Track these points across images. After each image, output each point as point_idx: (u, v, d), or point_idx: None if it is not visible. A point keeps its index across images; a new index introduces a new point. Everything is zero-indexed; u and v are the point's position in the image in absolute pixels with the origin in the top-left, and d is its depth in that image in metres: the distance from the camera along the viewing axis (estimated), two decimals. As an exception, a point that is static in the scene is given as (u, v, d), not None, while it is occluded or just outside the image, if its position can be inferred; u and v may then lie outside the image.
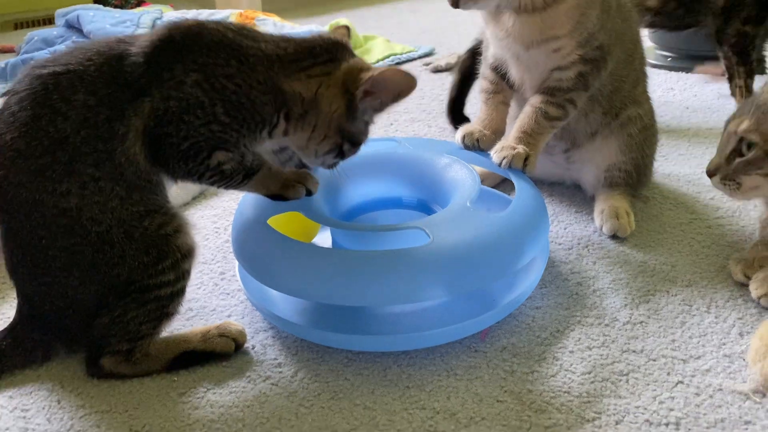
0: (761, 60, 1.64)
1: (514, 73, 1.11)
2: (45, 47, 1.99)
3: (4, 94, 0.81)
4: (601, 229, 1.11)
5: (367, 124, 0.90)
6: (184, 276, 0.84)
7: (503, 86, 1.14)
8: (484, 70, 1.17)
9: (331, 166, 0.92)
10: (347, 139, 0.88)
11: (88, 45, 0.84)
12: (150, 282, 0.81)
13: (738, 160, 0.92)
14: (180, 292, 0.84)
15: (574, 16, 1.00)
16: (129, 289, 0.81)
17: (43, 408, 0.81)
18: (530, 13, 1.00)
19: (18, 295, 0.85)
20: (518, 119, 1.08)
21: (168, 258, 0.82)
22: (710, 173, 0.95)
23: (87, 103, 0.78)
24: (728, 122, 0.97)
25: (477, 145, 1.11)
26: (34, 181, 0.78)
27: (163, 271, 0.81)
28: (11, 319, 0.87)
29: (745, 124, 0.91)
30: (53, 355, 0.87)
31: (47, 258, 0.80)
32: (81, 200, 0.78)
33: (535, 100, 1.07)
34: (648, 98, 1.18)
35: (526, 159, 1.03)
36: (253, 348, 0.90)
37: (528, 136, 1.05)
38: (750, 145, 0.91)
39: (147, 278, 0.81)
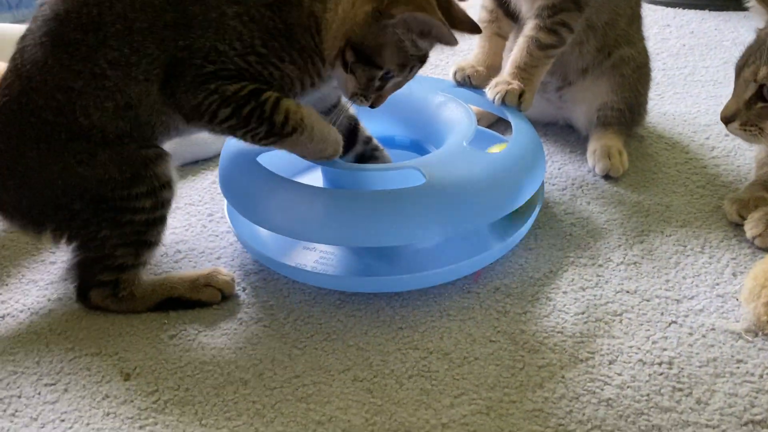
0: None
1: None
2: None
3: None
4: (594, 169, 1.10)
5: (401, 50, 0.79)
6: (163, 205, 0.82)
7: (500, 15, 1.10)
8: None
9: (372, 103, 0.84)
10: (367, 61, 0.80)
11: None
12: (123, 205, 0.80)
13: (761, 105, 0.91)
14: (158, 221, 0.82)
15: None
16: (100, 207, 0.79)
17: (32, 351, 0.80)
18: None
19: None
20: (512, 53, 1.05)
21: (143, 184, 0.80)
22: (727, 120, 0.93)
23: (132, 4, 0.78)
24: (739, 68, 0.94)
25: (468, 82, 1.08)
26: (56, 47, 0.78)
27: (137, 197, 0.80)
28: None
29: (763, 71, 0.89)
30: None
31: (24, 123, 0.79)
32: (85, 85, 0.78)
33: (527, 29, 1.03)
34: (642, 38, 1.15)
35: (521, 95, 1.00)
36: (244, 290, 0.89)
37: (522, 71, 1.02)
38: None
39: (119, 200, 0.79)
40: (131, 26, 0.78)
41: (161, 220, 0.83)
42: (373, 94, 0.82)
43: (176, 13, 0.78)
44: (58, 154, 0.79)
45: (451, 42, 0.77)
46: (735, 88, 0.94)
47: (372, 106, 0.83)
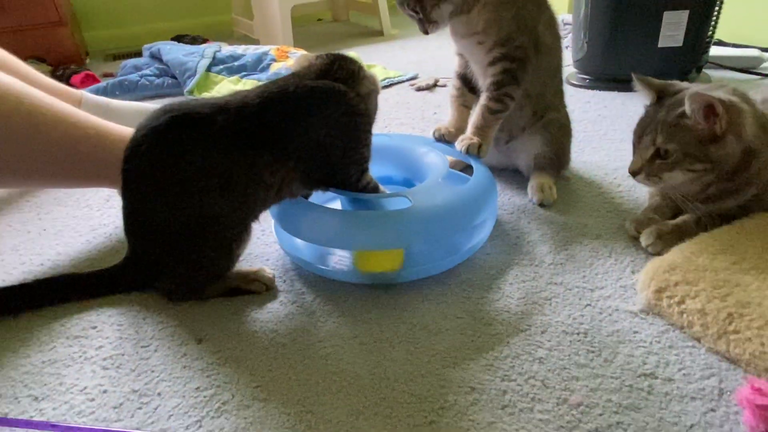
0: None
1: (471, 66, 1.09)
2: (135, 72, 1.97)
3: (158, 118, 0.75)
4: (532, 199, 1.11)
5: None
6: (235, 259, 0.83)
7: (465, 91, 1.13)
8: (453, 79, 1.16)
9: None
10: None
11: (222, 101, 0.77)
12: (214, 268, 0.82)
13: (659, 161, 0.88)
14: (235, 261, 0.83)
15: (486, 17, 0.98)
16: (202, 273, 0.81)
17: (133, 323, 0.82)
18: (459, 16, 1.00)
19: (129, 247, 0.84)
20: (472, 117, 1.07)
21: (228, 260, 0.82)
22: (635, 173, 0.91)
23: (217, 159, 0.74)
24: (638, 135, 0.92)
25: (444, 139, 1.10)
26: (157, 193, 0.76)
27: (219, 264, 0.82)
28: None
29: (659, 139, 0.88)
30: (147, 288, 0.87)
31: (158, 231, 0.78)
32: (199, 209, 0.76)
33: (481, 99, 1.05)
34: (564, 106, 1.16)
35: (479, 147, 1.02)
36: (284, 281, 0.90)
37: (479, 130, 1.04)
38: (666, 153, 0.87)
39: (214, 267, 0.81)
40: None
41: (237, 258, 0.83)
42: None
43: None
44: (192, 244, 0.78)
45: None
46: (639, 150, 0.91)
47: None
